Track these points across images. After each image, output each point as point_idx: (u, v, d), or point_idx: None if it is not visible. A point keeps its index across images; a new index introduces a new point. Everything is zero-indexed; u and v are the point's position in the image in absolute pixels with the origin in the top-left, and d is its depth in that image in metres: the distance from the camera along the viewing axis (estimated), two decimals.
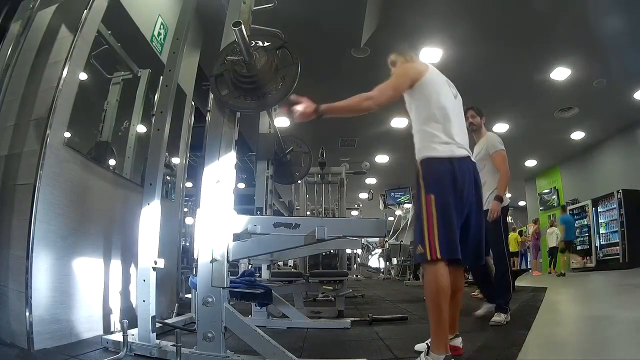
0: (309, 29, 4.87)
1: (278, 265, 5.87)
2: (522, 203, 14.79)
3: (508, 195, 3.21)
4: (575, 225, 10.04)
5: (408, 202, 10.05)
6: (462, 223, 1.72)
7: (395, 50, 2.06)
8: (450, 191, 1.67)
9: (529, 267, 10.24)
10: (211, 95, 2.05)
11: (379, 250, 13.93)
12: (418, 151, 1.79)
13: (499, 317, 2.68)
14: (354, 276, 11.46)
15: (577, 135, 8.94)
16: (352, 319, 3.03)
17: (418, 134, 1.82)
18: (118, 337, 2.03)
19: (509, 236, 11.21)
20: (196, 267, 1.82)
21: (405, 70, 1.87)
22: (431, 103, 1.78)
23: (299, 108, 1.73)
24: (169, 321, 2.64)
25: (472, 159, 1.82)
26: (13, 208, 2.08)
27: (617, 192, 8.60)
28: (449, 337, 1.68)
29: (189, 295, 3.59)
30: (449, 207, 1.65)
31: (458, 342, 1.86)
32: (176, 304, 3.23)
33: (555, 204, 11.28)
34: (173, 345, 1.77)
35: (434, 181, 1.70)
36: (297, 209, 5.85)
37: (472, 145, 2.34)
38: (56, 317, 2.06)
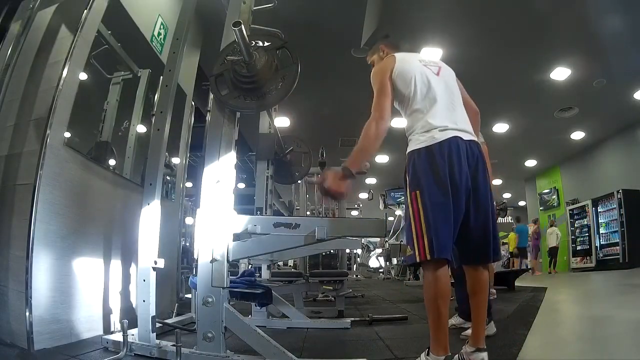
0: (309, 29, 4.87)
1: (278, 265, 5.87)
2: (522, 203, 14.80)
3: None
4: (576, 225, 10.08)
5: None
6: (460, 215, 1.55)
7: (368, 47, 1.99)
8: (434, 182, 1.53)
9: (528, 267, 10.24)
10: (211, 95, 2.05)
11: (379, 250, 13.93)
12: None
13: (492, 329, 2.29)
14: (354, 276, 11.46)
15: (577, 135, 8.94)
16: (352, 319, 3.03)
17: (406, 129, 1.73)
18: (118, 337, 2.03)
19: (509, 236, 11.30)
20: (196, 267, 1.82)
21: (379, 70, 1.79)
22: (410, 94, 1.69)
23: (330, 186, 1.62)
24: (169, 321, 2.64)
25: (465, 138, 1.62)
26: (13, 208, 2.08)
27: (617, 192, 8.60)
28: (470, 349, 1.59)
29: (189, 295, 3.59)
30: (435, 201, 1.52)
31: (480, 357, 1.55)
32: (176, 304, 3.23)
33: (556, 204, 11.29)
34: (173, 345, 1.77)
35: (415, 176, 1.59)
36: (297, 209, 5.86)
37: None
38: (56, 317, 2.06)
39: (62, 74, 2.19)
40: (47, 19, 2.46)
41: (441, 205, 1.53)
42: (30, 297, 1.90)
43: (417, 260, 1.53)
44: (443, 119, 1.63)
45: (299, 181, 5.07)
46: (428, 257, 1.50)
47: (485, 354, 1.57)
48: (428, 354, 1.55)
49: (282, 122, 7.15)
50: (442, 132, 1.60)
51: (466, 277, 1.69)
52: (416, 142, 1.63)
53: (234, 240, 1.84)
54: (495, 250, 1.64)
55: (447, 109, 1.67)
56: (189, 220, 6.47)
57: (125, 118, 3.08)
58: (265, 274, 3.67)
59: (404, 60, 1.77)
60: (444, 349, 1.53)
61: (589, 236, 9.60)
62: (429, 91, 1.68)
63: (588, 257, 9.54)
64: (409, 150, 1.66)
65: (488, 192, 1.65)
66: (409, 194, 1.61)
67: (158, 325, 2.16)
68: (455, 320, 2.62)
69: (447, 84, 1.76)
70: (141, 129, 3.17)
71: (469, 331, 2.28)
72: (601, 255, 9.15)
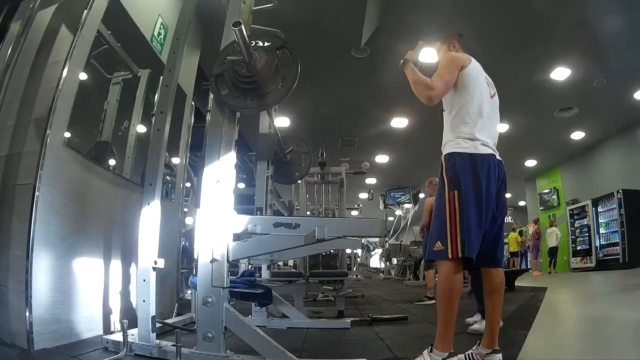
0: (309, 29, 4.87)
1: (278, 265, 5.87)
2: (522, 203, 14.80)
3: None
4: (576, 225, 10.08)
5: (408, 202, 10.04)
6: (487, 222, 1.65)
7: (440, 37, 2.12)
8: (472, 187, 1.63)
9: (529, 267, 10.24)
10: (211, 95, 2.05)
11: (379, 251, 13.93)
12: (443, 146, 1.77)
13: (482, 325, 2.28)
14: (354, 276, 11.46)
15: (577, 135, 8.94)
16: (352, 319, 3.03)
17: (447, 127, 1.80)
18: (118, 337, 2.03)
19: (509, 236, 11.27)
20: (196, 267, 1.82)
21: (452, 57, 1.87)
22: (468, 96, 1.75)
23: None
24: (169, 321, 2.64)
25: (498, 157, 1.75)
26: (13, 208, 2.08)
27: (617, 192, 8.60)
28: (485, 351, 1.63)
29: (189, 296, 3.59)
30: (471, 203, 1.61)
31: (496, 358, 1.63)
32: (176, 304, 3.23)
33: (556, 204, 11.29)
34: (173, 345, 1.77)
35: (456, 177, 1.66)
36: (297, 209, 5.85)
37: None
38: (56, 317, 2.06)
39: (62, 74, 2.19)
40: (47, 19, 2.46)
41: (476, 209, 1.62)
42: (30, 297, 1.90)
43: (449, 256, 1.59)
44: (486, 136, 1.74)
45: (299, 181, 5.07)
46: (460, 254, 1.57)
47: (500, 355, 1.63)
48: (431, 351, 1.56)
49: (282, 122, 7.14)
50: (483, 147, 1.71)
51: (483, 278, 1.74)
52: (458, 146, 1.70)
53: (234, 240, 1.84)
54: (502, 255, 1.78)
55: (490, 128, 1.78)
56: (189, 220, 6.48)
57: (125, 118, 3.08)
58: (265, 274, 3.67)
59: (476, 68, 1.88)
60: (449, 346, 1.55)
61: (589, 236, 9.60)
62: (482, 106, 1.77)
63: (588, 257, 9.54)
64: (449, 151, 1.73)
65: (506, 205, 1.81)
66: (447, 193, 1.67)
67: (158, 325, 2.16)
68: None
69: (493, 108, 1.88)
70: (141, 129, 3.17)
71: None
72: (601, 255, 9.14)
